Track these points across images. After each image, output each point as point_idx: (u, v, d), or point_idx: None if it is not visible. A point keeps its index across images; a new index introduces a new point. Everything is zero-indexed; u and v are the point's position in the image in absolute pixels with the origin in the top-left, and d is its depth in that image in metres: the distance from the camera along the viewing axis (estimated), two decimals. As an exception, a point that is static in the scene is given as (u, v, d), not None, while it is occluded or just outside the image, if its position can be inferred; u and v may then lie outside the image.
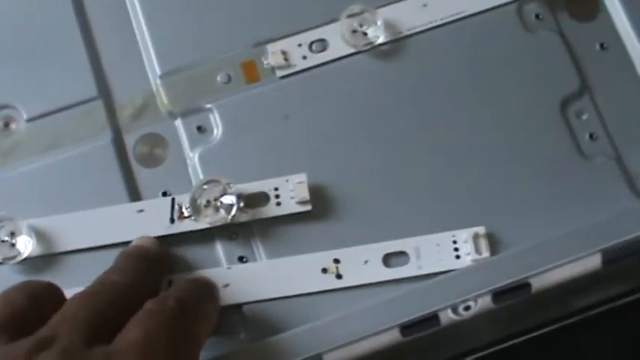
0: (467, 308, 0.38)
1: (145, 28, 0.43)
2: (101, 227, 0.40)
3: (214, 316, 0.36)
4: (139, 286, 0.36)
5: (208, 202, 0.39)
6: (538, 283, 0.38)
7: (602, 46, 0.43)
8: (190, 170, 0.41)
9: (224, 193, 0.39)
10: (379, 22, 0.42)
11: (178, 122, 0.42)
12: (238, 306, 0.39)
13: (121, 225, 0.40)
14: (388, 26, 0.42)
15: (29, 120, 0.42)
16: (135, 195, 0.41)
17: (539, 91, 0.42)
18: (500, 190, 0.40)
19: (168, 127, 0.42)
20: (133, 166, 0.42)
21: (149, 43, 0.43)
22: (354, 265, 0.39)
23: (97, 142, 0.42)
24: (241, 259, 0.40)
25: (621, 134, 0.41)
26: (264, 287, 0.39)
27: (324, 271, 0.39)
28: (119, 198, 0.41)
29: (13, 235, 0.40)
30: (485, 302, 0.38)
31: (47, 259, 0.40)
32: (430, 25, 0.43)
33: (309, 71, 0.42)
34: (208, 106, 0.42)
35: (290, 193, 0.40)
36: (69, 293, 0.35)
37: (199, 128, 0.42)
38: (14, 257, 0.40)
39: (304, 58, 0.42)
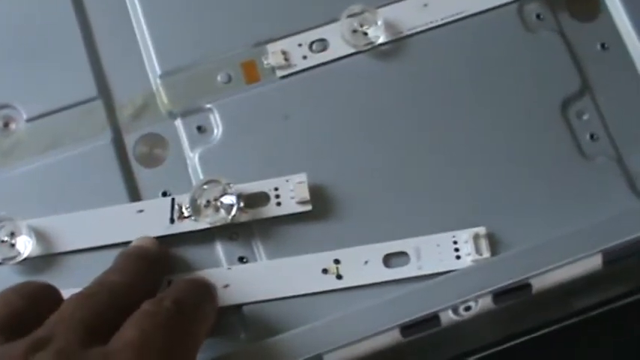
0: (467, 309, 0.38)
1: (145, 27, 0.43)
2: (101, 227, 0.40)
3: (212, 316, 0.36)
4: (137, 286, 0.36)
5: (208, 202, 0.39)
6: (539, 283, 0.38)
7: (603, 46, 0.43)
8: (190, 170, 0.41)
9: (224, 193, 0.39)
10: (379, 22, 0.42)
11: (178, 122, 0.42)
12: (238, 306, 0.39)
13: (121, 225, 0.40)
14: (388, 26, 0.42)
15: (29, 120, 0.42)
16: (135, 195, 0.41)
17: (539, 91, 0.42)
18: (501, 190, 0.40)
19: (168, 127, 0.42)
20: (132, 166, 0.42)
21: (149, 43, 0.43)
22: (355, 265, 0.39)
23: (97, 142, 0.42)
24: (241, 260, 0.40)
25: (622, 134, 0.41)
26: (265, 288, 0.39)
27: (325, 271, 0.39)
28: (119, 198, 0.41)
29: (12, 235, 0.40)
30: (485, 303, 0.38)
31: (47, 259, 0.40)
32: (431, 25, 0.43)
33: (310, 71, 0.42)
34: (208, 106, 0.42)
35: (290, 193, 0.40)
36: (69, 293, 0.35)
37: (199, 128, 0.42)
38: (14, 257, 0.40)
39: (304, 58, 0.42)
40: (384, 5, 0.43)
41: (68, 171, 0.41)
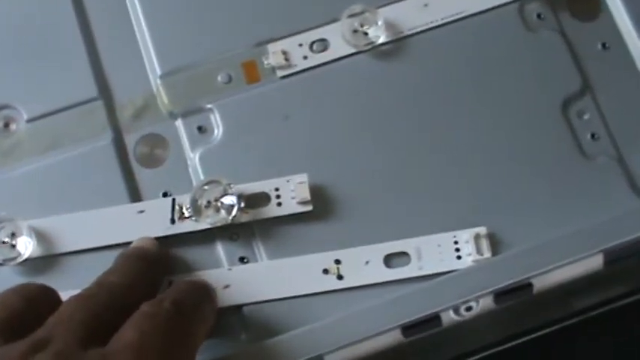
0: (468, 309, 0.38)
1: (145, 28, 0.43)
2: (102, 228, 0.40)
3: (211, 318, 0.36)
4: (136, 287, 0.36)
5: (209, 202, 0.39)
6: (540, 283, 0.38)
7: (603, 45, 0.43)
8: (191, 170, 0.41)
9: (225, 194, 0.39)
10: (380, 22, 0.42)
11: (179, 122, 0.42)
12: (239, 307, 0.39)
13: (122, 226, 0.40)
14: (389, 26, 0.42)
15: (29, 120, 0.42)
16: (135, 195, 0.41)
17: (540, 90, 0.42)
18: (502, 190, 0.40)
19: (168, 127, 0.42)
20: (133, 167, 0.42)
21: (149, 43, 0.43)
22: (355, 265, 0.39)
23: (98, 142, 0.42)
24: (242, 260, 0.40)
25: (623, 134, 0.41)
26: (265, 288, 0.39)
27: (325, 271, 0.39)
28: (120, 198, 0.41)
29: (13, 236, 0.40)
30: (486, 303, 0.38)
31: (48, 260, 0.40)
32: (431, 25, 0.43)
33: (310, 71, 0.42)
34: (209, 106, 0.42)
35: (291, 193, 0.40)
36: (70, 294, 0.35)
37: (200, 128, 0.42)
38: (15, 258, 0.40)
39: (305, 58, 0.42)
40: (385, 5, 0.43)
41: (69, 171, 0.41)
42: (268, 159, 0.41)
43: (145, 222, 0.40)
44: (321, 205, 0.40)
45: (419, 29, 0.43)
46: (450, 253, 0.39)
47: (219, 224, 0.39)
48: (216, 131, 0.42)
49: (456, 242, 0.39)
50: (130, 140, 0.42)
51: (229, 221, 0.39)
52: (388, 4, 0.43)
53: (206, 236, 0.40)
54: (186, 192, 0.40)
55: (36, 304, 0.34)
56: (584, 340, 0.42)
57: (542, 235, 0.38)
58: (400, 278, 0.39)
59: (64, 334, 0.32)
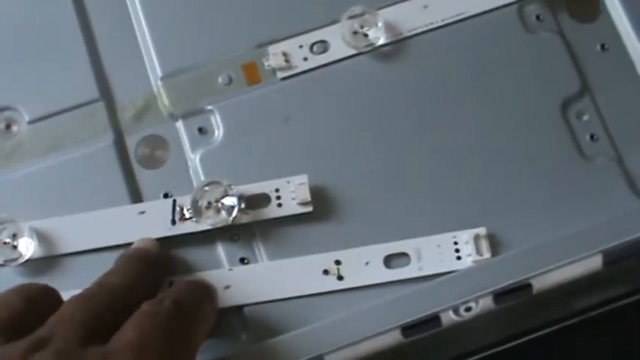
0: (468, 309, 0.38)
1: (146, 29, 0.43)
2: (103, 229, 0.40)
3: (212, 317, 0.36)
4: (137, 288, 0.36)
5: (209, 203, 0.39)
6: (539, 283, 0.38)
7: (602, 46, 0.43)
8: (191, 172, 0.41)
9: (225, 195, 0.39)
10: (380, 24, 0.42)
11: (179, 124, 0.42)
12: (239, 307, 0.39)
13: (123, 226, 0.40)
14: (389, 27, 0.42)
15: (31, 122, 0.42)
16: (136, 196, 0.41)
17: (539, 92, 0.42)
18: (501, 191, 0.40)
19: (169, 128, 0.42)
20: (134, 168, 0.42)
21: (150, 45, 0.43)
22: (355, 266, 0.39)
23: (99, 143, 0.42)
24: (242, 261, 0.40)
25: (622, 135, 0.41)
26: (266, 289, 0.39)
27: (326, 272, 0.39)
28: (120, 200, 0.41)
29: (14, 237, 0.40)
30: (486, 303, 0.38)
31: (49, 261, 0.40)
32: (431, 27, 0.43)
33: (310, 73, 0.42)
34: (209, 107, 0.42)
35: (291, 194, 0.40)
36: (71, 295, 0.35)
37: (200, 130, 0.42)
38: (16, 259, 0.40)
39: (305, 59, 0.42)
40: (385, 7, 0.43)
41: (70, 173, 0.42)
42: (269, 160, 0.41)
43: (146, 223, 0.40)
44: (322, 205, 0.40)
45: (419, 31, 0.43)
46: (449, 253, 0.39)
47: (219, 225, 0.40)
48: (216, 132, 0.42)
49: (455, 243, 0.39)
50: (131, 141, 0.42)
51: (230, 222, 0.39)
52: (388, 5, 0.43)
53: (207, 237, 0.40)
54: (187, 193, 0.40)
55: (37, 303, 0.34)
56: (584, 340, 0.42)
57: (542, 235, 0.38)
58: (400, 279, 0.39)
59: (65, 333, 0.32)
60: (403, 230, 0.39)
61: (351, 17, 0.42)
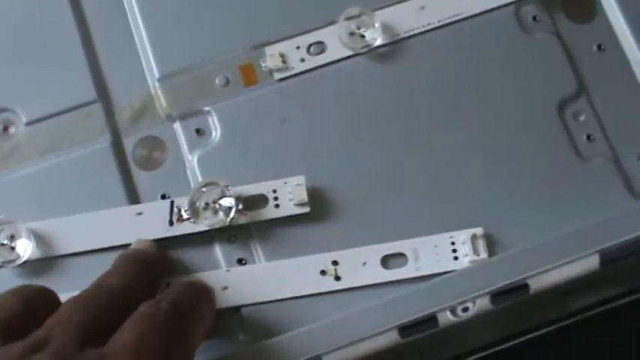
0: (465, 309, 0.38)
1: (143, 31, 0.43)
2: (100, 230, 0.40)
3: (209, 318, 0.37)
4: (135, 289, 0.36)
5: (207, 204, 0.39)
6: (536, 284, 0.38)
7: (599, 47, 0.43)
8: (189, 173, 0.41)
9: (223, 196, 0.39)
10: (377, 25, 0.42)
11: (177, 125, 0.42)
12: (237, 308, 0.39)
13: (120, 228, 0.40)
14: (386, 28, 0.43)
15: (28, 123, 0.42)
16: (134, 198, 0.41)
17: (536, 92, 0.42)
18: (498, 191, 0.40)
19: (166, 129, 0.42)
20: (132, 169, 0.42)
21: (147, 46, 0.43)
22: (353, 266, 0.39)
23: (96, 145, 0.42)
24: (240, 262, 0.40)
25: (618, 135, 0.41)
26: (263, 289, 0.39)
27: (323, 273, 0.39)
28: (118, 201, 0.41)
29: (12, 238, 0.40)
30: (483, 303, 0.38)
31: (47, 262, 0.40)
32: (428, 27, 0.43)
33: (307, 74, 0.42)
34: (207, 108, 0.42)
35: (288, 195, 0.40)
36: (69, 296, 0.35)
37: (198, 131, 0.42)
38: (14, 260, 0.40)
39: (302, 60, 0.42)
40: (382, 8, 0.43)
41: (67, 174, 0.42)
42: (266, 161, 0.41)
43: (144, 224, 0.40)
44: (319, 206, 0.40)
45: (415, 32, 0.43)
46: (446, 253, 0.39)
47: (217, 226, 0.40)
48: (214, 134, 0.42)
49: (452, 243, 0.39)
50: (129, 143, 0.42)
51: (227, 223, 0.39)
52: (385, 6, 0.43)
53: (204, 238, 0.40)
54: (185, 194, 0.40)
55: (34, 305, 0.34)
56: (581, 340, 0.42)
57: (539, 235, 0.38)
58: (397, 279, 0.39)
59: (63, 335, 0.32)
60: (400, 230, 0.39)
61: (348, 18, 0.42)
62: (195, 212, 0.39)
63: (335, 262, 0.39)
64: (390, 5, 0.43)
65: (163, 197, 0.41)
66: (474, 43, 0.43)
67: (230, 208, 0.39)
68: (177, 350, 0.33)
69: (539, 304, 0.40)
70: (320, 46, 0.43)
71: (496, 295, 0.38)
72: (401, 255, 0.39)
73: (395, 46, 0.43)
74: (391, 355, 0.39)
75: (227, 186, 0.40)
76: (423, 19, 0.43)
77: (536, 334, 0.40)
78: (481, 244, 0.39)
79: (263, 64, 0.42)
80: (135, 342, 0.32)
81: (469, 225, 0.39)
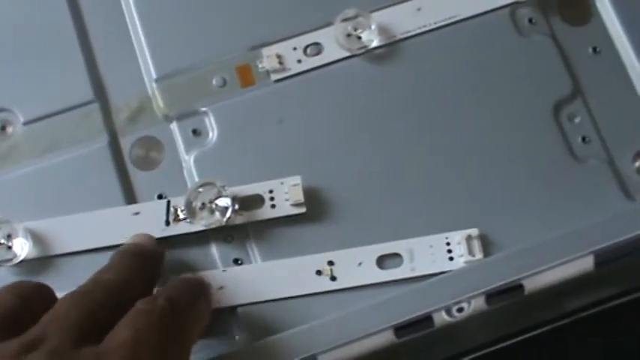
0: (460, 310, 0.38)
1: (140, 31, 0.43)
2: (97, 230, 0.40)
3: (206, 315, 0.37)
4: (132, 284, 0.36)
5: (203, 204, 0.40)
6: (531, 284, 0.38)
7: (594, 49, 0.43)
8: (186, 173, 0.41)
9: (219, 196, 0.40)
10: (373, 26, 0.42)
11: (174, 125, 0.42)
12: (233, 308, 0.39)
13: (117, 227, 0.40)
14: (382, 30, 0.43)
15: (26, 123, 0.43)
16: (131, 198, 0.41)
17: (532, 94, 0.42)
18: (494, 192, 0.40)
19: (163, 130, 0.42)
20: (128, 169, 0.42)
21: (145, 47, 0.43)
22: (348, 267, 0.39)
23: (94, 145, 0.42)
24: (236, 262, 0.40)
25: (613, 137, 0.41)
26: (259, 289, 0.39)
27: (319, 273, 0.39)
28: (115, 201, 0.41)
29: (9, 237, 0.40)
30: (478, 304, 0.38)
31: (43, 261, 0.40)
32: (424, 29, 0.43)
33: (304, 75, 0.43)
34: (204, 109, 0.42)
35: (285, 195, 0.40)
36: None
37: (195, 131, 0.42)
38: (10, 260, 0.40)
39: (299, 61, 0.43)
40: (378, 9, 0.43)
41: (65, 174, 0.42)
42: (262, 162, 0.41)
43: (140, 224, 0.40)
44: (315, 207, 0.40)
45: (412, 33, 0.43)
46: (442, 254, 0.39)
47: (213, 226, 0.40)
48: (210, 134, 0.42)
49: (448, 244, 0.39)
50: (126, 143, 0.42)
51: (223, 223, 0.40)
52: (381, 8, 0.43)
53: (200, 238, 0.40)
54: (181, 194, 0.40)
55: (30, 301, 0.34)
56: (576, 340, 0.42)
57: (534, 236, 0.38)
58: (393, 279, 0.39)
59: (58, 332, 0.32)
60: (396, 231, 0.39)
61: (345, 20, 0.43)
62: (191, 212, 0.40)
63: (331, 263, 0.39)
64: (386, 7, 0.43)
65: (160, 197, 0.41)
66: (470, 45, 0.43)
67: (226, 208, 0.39)
68: (174, 347, 0.33)
69: (534, 305, 0.40)
70: (317, 48, 0.43)
71: (491, 296, 0.38)
72: (396, 255, 0.39)
73: (391, 47, 0.43)
74: (387, 355, 0.39)
75: (223, 186, 0.40)
76: (419, 21, 0.43)
77: (531, 334, 0.40)
78: (476, 245, 0.39)
79: (260, 65, 0.43)
80: (131, 339, 0.32)
81: (464, 226, 0.39)
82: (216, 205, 0.39)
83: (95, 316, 0.33)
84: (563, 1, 0.44)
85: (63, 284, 0.37)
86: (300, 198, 0.40)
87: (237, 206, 0.40)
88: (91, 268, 0.37)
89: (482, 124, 0.41)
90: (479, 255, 0.39)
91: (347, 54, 0.43)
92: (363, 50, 0.42)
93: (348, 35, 0.42)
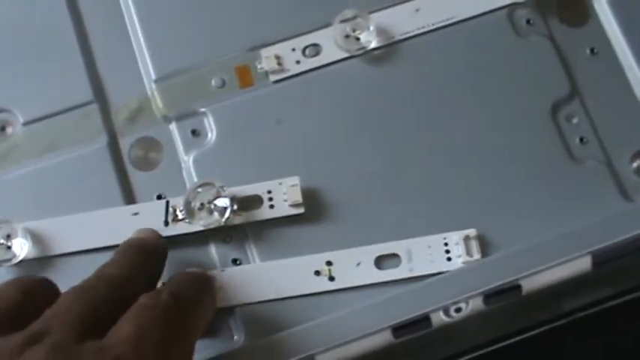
0: (458, 310, 0.38)
1: (140, 32, 0.43)
2: (96, 230, 0.40)
3: (210, 310, 0.37)
4: (135, 278, 0.35)
5: (202, 204, 0.40)
6: (529, 284, 0.38)
7: (592, 50, 0.43)
8: (185, 173, 0.42)
9: (218, 196, 0.40)
10: (372, 27, 0.42)
11: (173, 126, 0.42)
12: (231, 308, 0.39)
13: (116, 228, 0.40)
14: (381, 31, 0.43)
15: (25, 124, 0.43)
16: (130, 198, 0.41)
17: (530, 95, 0.42)
18: (491, 192, 0.40)
19: (163, 130, 0.42)
20: (128, 170, 0.42)
21: (144, 48, 0.43)
22: (347, 267, 0.39)
23: (93, 145, 0.42)
24: (235, 262, 0.40)
25: (611, 138, 0.42)
26: (258, 289, 0.39)
27: (317, 273, 0.39)
28: (114, 201, 0.41)
29: (8, 237, 0.40)
30: (476, 304, 0.38)
31: (43, 261, 0.40)
32: (422, 30, 0.43)
33: (303, 75, 0.43)
34: (203, 110, 0.42)
35: (283, 195, 0.40)
36: (64, 295, 0.35)
37: (194, 132, 0.42)
38: (10, 260, 0.40)
39: (298, 62, 0.43)
40: (377, 10, 0.43)
41: (64, 174, 0.42)
42: (261, 162, 0.41)
43: (139, 224, 0.40)
44: (313, 207, 0.40)
45: (410, 34, 0.43)
46: (440, 254, 0.39)
47: (212, 226, 0.40)
48: (209, 135, 0.42)
49: (446, 244, 0.39)
50: (125, 143, 0.42)
51: (222, 223, 0.40)
52: (380, 9, 0.43)
53: (199, 238, 0.40)
54: (180, 194, 0.40)
55: (33, 296, 0.34)
56: (574, 340, 0.42)
57: (531, 237, 0.38)
58: (391, 279, 0.39)
59: (61, 326, 0.32)
60: (394, 231, 0.40)
61: (344, 21, 0.43)
62: (190, 212, 0.40)
63: (329, 263, 0.39)
64: (385, 8, 0.43)
65: (159, 197, 0.41)
66: (469, 46, 0.43)
67: (225, 209, 0.40)
68: (178, 342, 0.33)
69: (532, 305, 0.40)
70: (315, 49, 0.43)
71: (489, 296, 0.38)
72: (394, 256, 0.39)
73: (390, 48, 0.43)
74: (385, 355, 0.39)
75: (222, 186, 0.40)
76: (417, 22, 0.43)
77: (529, 334, 0.41)
78: (474, 245, 0.39)
79: (259, 66, 0.43)
80: (135, 334, 0.31)
81: (462, 226, 0.39)
82: (215, 205, 0.40)
83: (98, 311, 0.33)
84: (561, 2, 0.44)
85: (62, 284, 0.37)
86: (299, 198, 0.40)
87: (235, 206, 0.40)
88: (90, 269, 0.37)
89: (480, 125, 0.41)
90: (477, 255, 0.39)
91: (345, 55, 0.43)
92: (361, 51, 0.43)
93: (347, 36, 0.43)
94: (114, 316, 0.33)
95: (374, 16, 0.43)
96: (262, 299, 0.39)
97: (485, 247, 0.39)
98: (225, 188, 0.40)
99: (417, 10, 0.43)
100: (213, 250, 0.40)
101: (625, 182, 0.41)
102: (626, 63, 0.43)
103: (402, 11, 0.43)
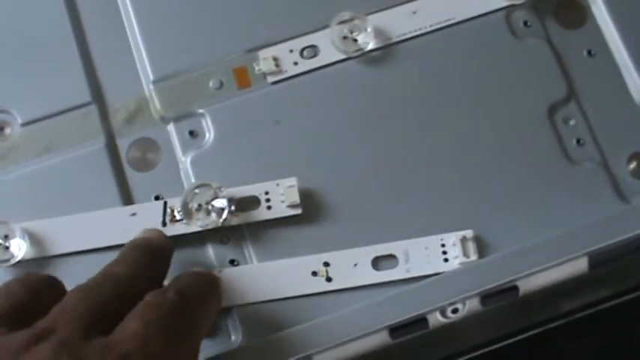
0: (455, 311, 0.38)
1: (138, 33, 0.43)
2: (94, 230, 0.40)
3: (216, 308, 0.37)
4: (141, 278, 0.35)
5: (200, 205, 0.40)
6: (525, 285, 0.38)
7: (589, 52, 0.43)
8: (182, 174, 0.42)
9: (215, 197, 0.40)
10: (369, 29, 0.42)
11: (171, 127, 0.43)
12: (229, 309, 0.39)
13: (114, 228, 0.40)
14: (378, 33, 0.43)
15: (24, 124, 0.43)
16: (127, 199, 0.41)
17: (527, 97, 0.42)
18: (489, 194, 0.40)
19: (160, 131, 0.43)
20: (125, 170, 0.42)
21: (142, 49, 0.43)
22: (344, 268, 0.39)
23: (91, 146, 0.42)
24: (232, 263, 0.40)
25: (608, 140, 0.42)
26: (255, 290, 0.39)
27: (314, 274, 0.39)
28: (112, 202, 0.41)
29: (6, 238, 0.40)
30: (473, 305, 0.38)
31: (41, 262, 0.40)
32: (420, 32, 0.43)
33: (300, 77, 0.43)
34: (200, 111, 0.42)
35: (280, 196, 0.40)
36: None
37: (191, 133, 0.42)
38: (8, 260, 0.40)
39: (295, 64, 0.43)
40: (374, 12, 0.43)
41: (62, 175, 0.42)
42: (258, 163, 0.41)
43: (137, 225, 0.40)
44: (311, 208, 0.40)
45: (408, 36, 0.43)
46: (437, 255, 0.39)
47: (209, 227, 0.40)
48: (207, 136, 0.42)
49: (443, 245, 0.39)
50: (123, 144, 0.42)
51: (220, 224, 0.40)
52: (377, 11, 0.43)
53: (197, 239, 0.40)
54: (178, 195, 0.40)
55: (39, 293, 0.34)
56: (570, 341, 0.42)
57: (528, 238, 0.38)
58: (388, 280, 0.39)
59: (68, 323, 0.32)
60: (391, 232, 0.40)
61: (341, 22, 0.43)
62: (187, 213, 0.40)
63: (326, 264, 0.39)
64: (382, 10, 0.43)
65: (157, 198, 0.41)
66: (466, 48, 0.43)
67: (222, 210, 0.40)
68: (184, 340, 0.33)
69: (528, 306, 0.40)
70: (313, 50, 0.43)
71: (486, 297, 0.38)
72: (391, 256, 0.39)
73: (387, 50, 0.43)
74: (383, 356, 0.39)
75: (220, 187, 0.40)
76: (415, 24, 0.43)
77: (526, 335, 0.41)
78: (471, 246, 0.39)
79: (256, 68, 0.43)
80: (141, 331, 0.32)
81: (459, 227, 0.39)
82: (213, 206, 0.40)
83: (104, 309, 0.33)
84: (559, 4, 0.44)
85: (61, 285, 0.38)
86: (296, 199, 0.40)
87: (233, 207, 0.40)
88: (88, 269, 0.37)
89: (477, 126, 0.42)
90: (473, 256, 0.39)
91: (343, 56, 0.43)
92: (359, 53, 0.43)
93: (344, 38, 0.43)
94: (120, 314, 0.33)
95: (371, 17, 0.43)
96: (260, 300, 0.39)
97: (482, 248, 0.39)
98: (222, 189, 0.40)
99: (415, 12, 0.43)
100: (211, 251, 0.40)
101: (621, 184, 0.41)
102: (623, 64, 0.43)
103: (399, 13, 0.43)
